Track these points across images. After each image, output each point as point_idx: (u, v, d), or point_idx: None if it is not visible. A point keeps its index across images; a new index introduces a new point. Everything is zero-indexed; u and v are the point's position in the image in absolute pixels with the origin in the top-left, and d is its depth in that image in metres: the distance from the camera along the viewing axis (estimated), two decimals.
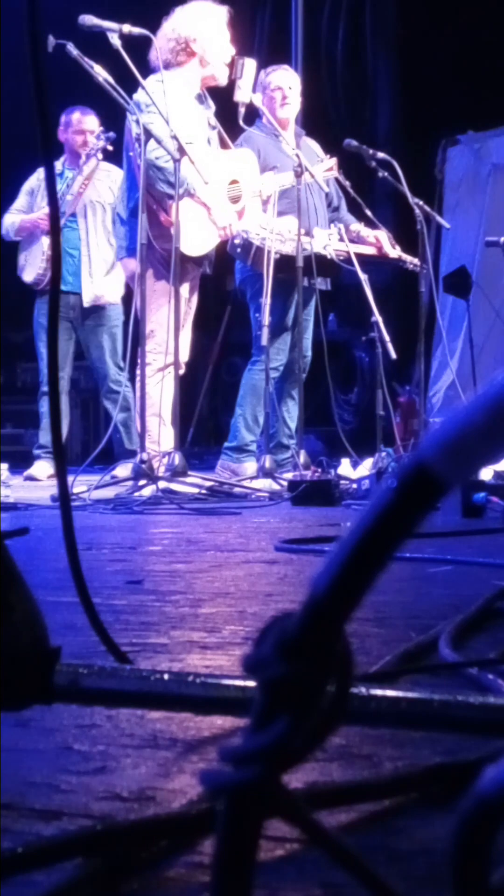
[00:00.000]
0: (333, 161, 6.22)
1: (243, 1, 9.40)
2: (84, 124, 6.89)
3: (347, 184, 6.26)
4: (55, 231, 1.27)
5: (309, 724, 0.54)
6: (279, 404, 6.15)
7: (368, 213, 6.40)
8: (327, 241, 6.11)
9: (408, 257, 6.53)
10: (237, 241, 5.92)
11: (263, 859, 0.79)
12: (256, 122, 6.02)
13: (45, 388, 6.85)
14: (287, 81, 6.28)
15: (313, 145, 6.44)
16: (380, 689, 0.99)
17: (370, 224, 6.46)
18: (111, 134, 6.75)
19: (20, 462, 7.24)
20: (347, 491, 5.10)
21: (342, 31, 10.74)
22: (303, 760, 0.55)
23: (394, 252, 6.48)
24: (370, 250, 6.35)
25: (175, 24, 5.71)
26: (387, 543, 0.53)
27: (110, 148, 6.84)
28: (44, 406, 6.87)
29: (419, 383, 7.06)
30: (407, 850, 0.83)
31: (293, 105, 6.26)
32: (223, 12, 5.82)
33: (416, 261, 6.50)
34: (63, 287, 6.82)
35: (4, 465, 6.66)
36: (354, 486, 5.17)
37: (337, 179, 6.28)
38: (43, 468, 6.73)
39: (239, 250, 6.02)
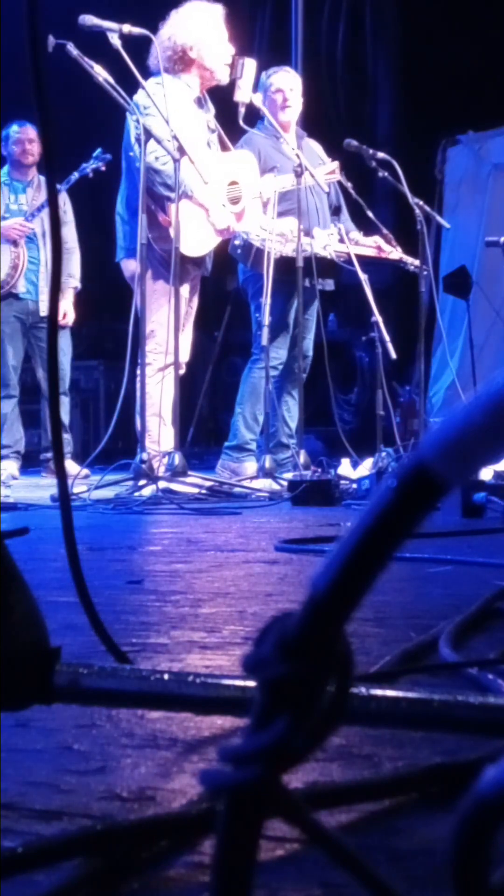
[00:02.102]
0: (335, 164, 6.21)
1: (243, 1, 9.41)
2: (23, 134, 7.10)
3: (349, 185, 6.26)
4: (56, 234, 1.26)
5: (309, 724, 0.54)
6: (279, 403, 6.15)
7: (370, 214, 6.39)
8: (327, 242, 6.11)
9: (409, 258, 6.53)
10: (237, 242, 5.92)
11: (263, 859, 0.79)
12: (258, 124, 6.02)
13: (9, 392, 7.02)
14: (288, 83, 6.27)
15: (315, 147, 6.44)
16: (380, 689, 0.99)
17: (371, 226, 6.45)
18: (108, 156, 6.86)
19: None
20: (347, 491, 5.10)
21: (342, 31, 10.74)
22: (303, 760, 0.55)
23: (394, 253, 6.48)
24: (370, 251, 6.35)
25: (171, 32, 5.69)
26: (387, 543, 0.53)
27: (103, 168, 6.98)
28: (4, 408, 6.99)
29: (419, 383, 7.05)
30: (407, 850, 0.83)
31: (294, 107, 6.26)
32: (218, 11, 5.80)
33: (416, 262, 6.50)
34: (21, 294, 7.05)
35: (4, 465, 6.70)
36: (354, 486, 5.17)
37: (339, 182, 6.28)
38: (9, 466, 6.87)
39: (239, 251, 6.02)
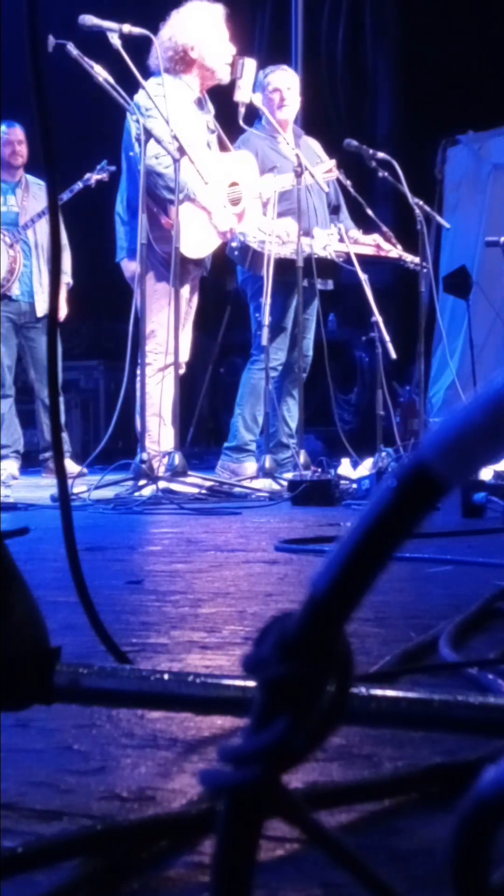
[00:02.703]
0: (333, 162, 6.21)
1: (243, 1, 9.40)
2: (11, 136, 7.11)
3: (348, 183, 6.26)
4: (55, 235, 1.26)
5: (309, 724, 0.54)
6: (279, 403, 6.14)
7: (370, 212, 6.39)
8: (327, 242, 6.11)
9: (408, 256, 6.53)
10: (234, 245, 5.92)
11: (263, 859, 0.79)
12: (255, 124, 6.02)
13: (5, 392, 7.05)
14: (285, 82, 6.26)
15: (313, 145, 6.44)
16: (380, 689, 0.99)
17: (371, 224, 6.46)
18: (112, 167, 6.87)
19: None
20: (347, 491, 5.10)
21: (342, 31, 10.74)
22: (303, 760, 0.55)
23: (394, 251, 6.48)
24: (369, 250, 6.35)
25: (172, 32, 5.69)
26: (387, 543, 0.53)
27: (106, 179, 7.00)
28: (3, 407, 7.00)
29: (419, 383, 7.05)
30: (407, 850, 0.83)
31: (291, 106, 6.26)
32: (219, 11, 5.79)
33: (416, 259, 6.50)
34: (14, 296, 7.09)
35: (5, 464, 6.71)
36: (354, 486, 5.16)
37: (338, 180, 6.28)
38: (9, 466, 6.85)
39: (236, 253, 6.01)
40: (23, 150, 7.11)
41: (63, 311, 7.12)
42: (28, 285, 7.13)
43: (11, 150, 7.09)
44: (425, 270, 6.60)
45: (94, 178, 7.12)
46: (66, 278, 7.15)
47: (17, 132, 7.08)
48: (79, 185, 7.13)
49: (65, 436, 7.30)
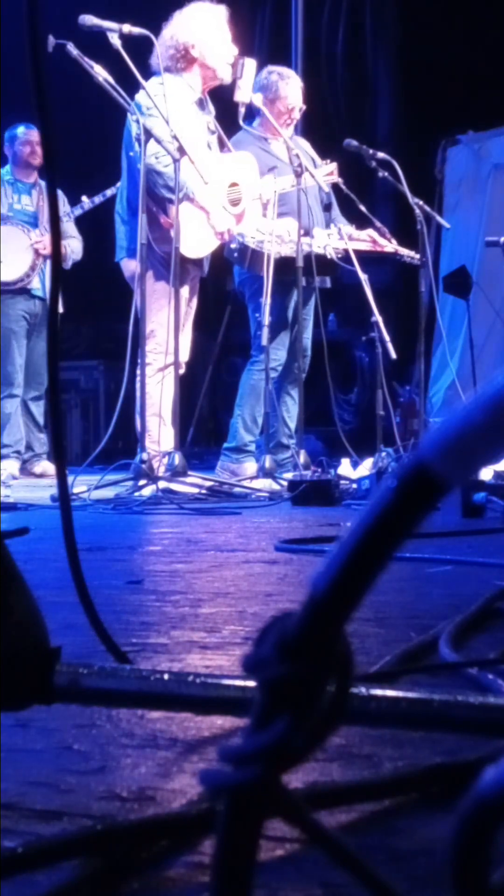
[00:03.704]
0: (334, 165, 6.21)
1: (243, 1, 9.40)
2: (30, 136, 7.16)
3: (340, 181, 6.26)
4: (56, 237, 1.27)
5: (309, 724, 0.54)
6: (278, 404, 6.14)
7: (362, 208, 6.38)
8: (327, 241, 6.11)
9: (404, 250, 6.52)
10: (233, 246, 5.91)
11: (263, 859, 0.79)
12: (246, 123, 5.99)
13: (12, 391, 7.09)
14: (300, 101, 6.25)
15: (304, 144, 6.43)
16: (380, 689, 0.99)
17: (364, 220, 6.45)
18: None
19: None
20: (347, 491, 5.10)
21: (342, 31, 10.74)
22: (303, 760, 0.55)
23: (389, 246, 6.47)
24: (365, 245, 6.35)
25: (174, 31, 5.69)
26: (387, 543, 0.53)
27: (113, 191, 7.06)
28: (7, 407, 7.04)
29: (419, 383, 7.05)
30: (407, 850, 0.83)
31: (294, 122, 6.34)
32: (221, 12, 5.80)
33: (412, 253, 6.49)
34: (34, 290, 7.14)
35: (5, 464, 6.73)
36: (354, 486, 5.16)
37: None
38: (10, 465, 6.89)
39: (235, 255, 6.01)
40: (40, 150, 7.14)
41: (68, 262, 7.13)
42: (44, 282, 7.18)
43: (31, 149, 7.16)
44: (424, 260, 6.57)
45: (103, 197, 7.19)
46: (75, 256, 7.15)
47: (36, 133, 7.13)
48: (112, 190, 7.16)
49: (42, 436, 7.35)
